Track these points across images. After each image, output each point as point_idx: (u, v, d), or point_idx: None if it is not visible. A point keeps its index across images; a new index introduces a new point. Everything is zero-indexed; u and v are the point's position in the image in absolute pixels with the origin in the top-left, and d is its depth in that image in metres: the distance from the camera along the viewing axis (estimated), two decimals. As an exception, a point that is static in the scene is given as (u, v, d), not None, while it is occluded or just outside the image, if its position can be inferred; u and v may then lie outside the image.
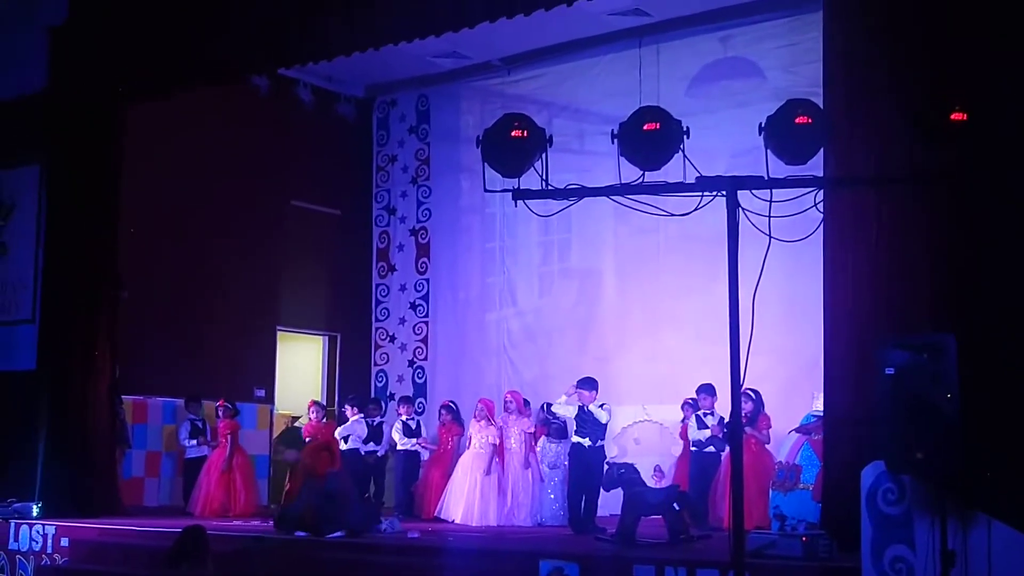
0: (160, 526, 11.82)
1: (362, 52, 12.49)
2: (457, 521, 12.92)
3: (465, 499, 13.10)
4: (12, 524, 12.38)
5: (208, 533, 10.14)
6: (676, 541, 9.69)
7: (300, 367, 17.80)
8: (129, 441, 14.51)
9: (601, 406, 11.80)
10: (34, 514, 12.57)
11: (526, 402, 13.71)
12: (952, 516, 6.64)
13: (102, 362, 13.60)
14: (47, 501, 12.79)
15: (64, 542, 11.91)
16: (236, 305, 16.08)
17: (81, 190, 13.71)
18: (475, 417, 13.51)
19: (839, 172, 8.33)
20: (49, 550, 11.99)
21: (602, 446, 11.89)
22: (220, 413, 14.42)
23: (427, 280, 17.43)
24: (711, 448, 12.17)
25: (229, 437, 14.34)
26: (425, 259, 17.48)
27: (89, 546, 11.78)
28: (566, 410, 12.04)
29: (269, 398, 16.46)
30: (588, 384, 11.84)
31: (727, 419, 11.95)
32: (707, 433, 12.11)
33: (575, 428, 11.81)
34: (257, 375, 16.41)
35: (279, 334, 17.06)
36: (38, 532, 12.14)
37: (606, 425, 11.90)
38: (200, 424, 14.64)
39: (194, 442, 14.54)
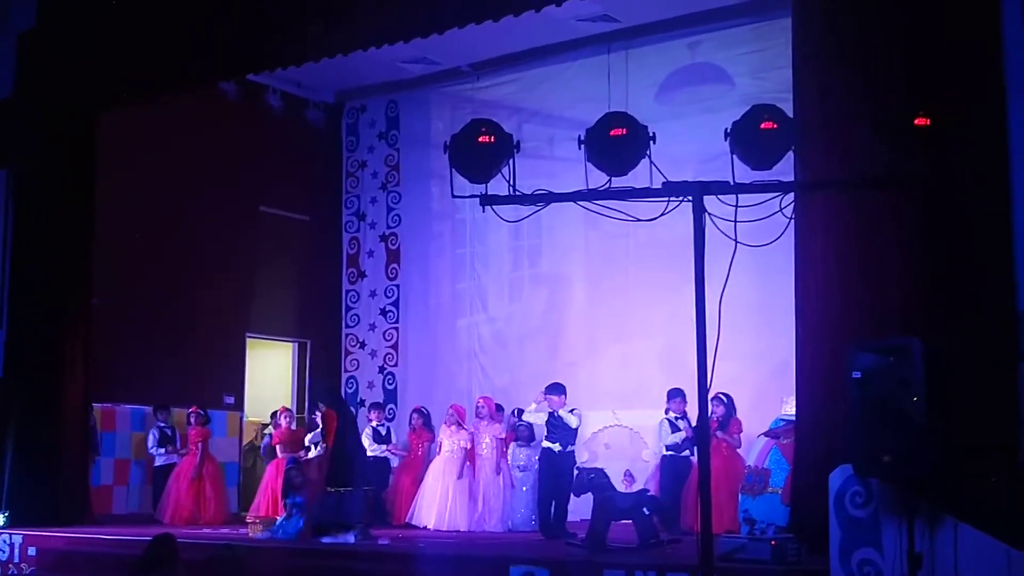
0: (129, 534, 11.75)
1: (331, 58, 12.49)
2: (429, 527, 12.89)
3: (436, 505, 13.08)
4: (-21, 533, 12.29)
5: (177, 541, 10.12)
6: (646, 545, 9.70)
7: (270, 374, 17.73)
8: (98, 448, 14.41)
9: (571, 411, 11.81)
10: (1, 523, 12.46)
11: (498, 407, 13.71)
12: (919, 519, 6.68)
13: (73, 369, 13.52)
14: (14, 509, 12.70)
15: (31, 551, 11.82)
16: (205, 311, 16.00)
17: (51, 196, 13.63)
18: (446, 423, 13.50)
19: (808, 177, 8.37)
20: (16, 559, 11.89)
21: (572, 451, 11.90)
22: (192, 420, 14.33)
23: (397, 286, 17.40)
24: (685, 452, 12.19)
25: (200, 445, 14.26)
26: (395, 265, 17.45)
27: (57, 555, 11.69)
28: (536, 417, 12.06)
29: (238, 405, 16.39)
30: (556, 389, 11.86)
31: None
32: (680, 436, 12.13)
33: (545, 433, 11.81)
34: (226, 382, 16.34)
35: (248, 340, 17.00)
36: (5, 541, 12.05)
37: (576, 430, 11.90)
38: (169, 432, 14.54)
39: (163, 450, 14.45)
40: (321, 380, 15.73)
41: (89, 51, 13.47)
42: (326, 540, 10.96)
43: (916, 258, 8.25)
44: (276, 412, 14.43)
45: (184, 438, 14.47)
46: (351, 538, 10.98)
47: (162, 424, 14.56)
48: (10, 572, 11.82)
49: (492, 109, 14.93)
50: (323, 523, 11.43)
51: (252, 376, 17.00)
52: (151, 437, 14.52)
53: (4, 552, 11.98)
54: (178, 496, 14.06)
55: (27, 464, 13.11)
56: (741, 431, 12.04)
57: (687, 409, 12.25)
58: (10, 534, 12.09)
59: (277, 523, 11.89)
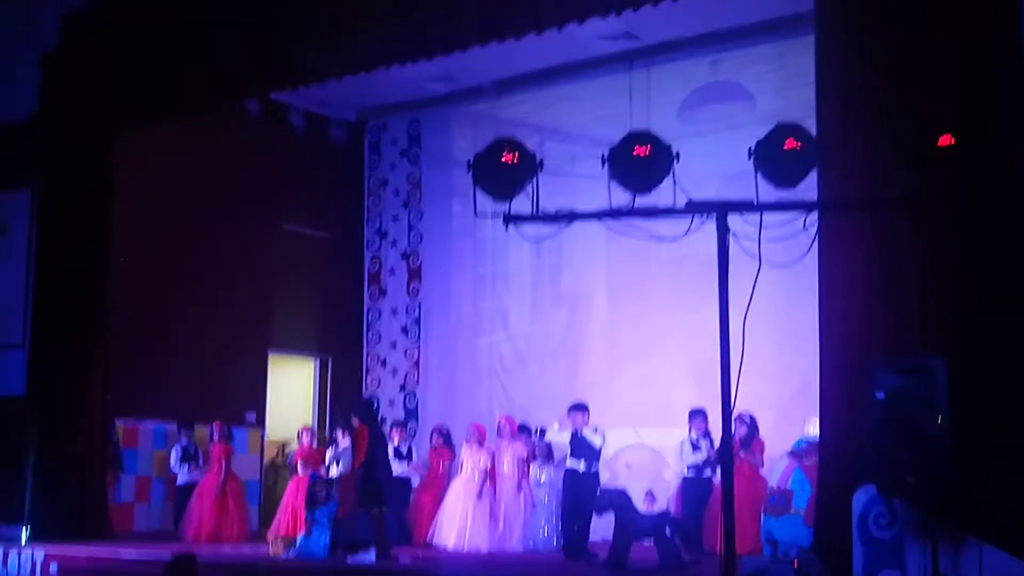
0: (150, 551, 11.75)
1: (353, 76, 12.53)
2: (450, 547, 12.84)
3: (457, 525, 13.01)
4: (1, 549, 12.29)
5: (198, 561, 10.12)
6: (667, 566, 9.66)
7: (291, 390, 17.75)
8: (121, 465, 14.44)
9: (595, 430, 11.77)
10: (23, 539, 12.49)
11: (521, 427, 13.68)
12: (943, 540, 6.63)
13: (94, 387, 13.55)
14: (36, 526, 12.72)
15: (53, 567, 11.81)
16: (227, 328, 16.03)
17: (72, 214, 13.70)
18: (467, 441, 13.46)
19: (831, 196, 8.34)
20: (38, 575, 11.90)
21: (596, 471, 11.83)
22: (215, 436, 14.32)
23: (419, 304, 17.41)
24: (707, 473, 12.12)
25: (223, 461, 14.26)
26: (416, 283, 17.46)
27: (78, 571, 11.70)
28: (560, 436, 12.00)
29: (260, 422, 16.40)
30: (579, 408, 11.82)
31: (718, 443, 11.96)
32: (701, 456, 12.06)
33: (569, 453, 11.74)
34: (248, 398, 16.36)
35: (270, 357, 17.03)
36: (27, 558, 12.05)
37: (600, 449, 11.85)
38: (192, 449, 14.54)
39: (186, 467, 14.44)
40: (358, 396, 15.70)
41: (112, 71, 13.58)
42: (350, 559, 10.94)
43: (939, 278, 8.19)
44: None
45: (207, 455, 14.48)
46: (372, 556, 10.97)
47: (185, 442, 14.56)
48: (32, 588, 11.85)
49: (514, 127, 14.94)
50: (349, 541, 11.42)
51: (273, 393, 17.02)
52: (174, 454, 14.53)
53: (27, 568, 11.99)
54: (201, 513, 14.03)
55: (49, 480, 13.14)
56: (764, 451, 11.97)
57: (709, 429, 12.19)
58: (32, 551, 12.11)
59: (299, 541, 11.86)
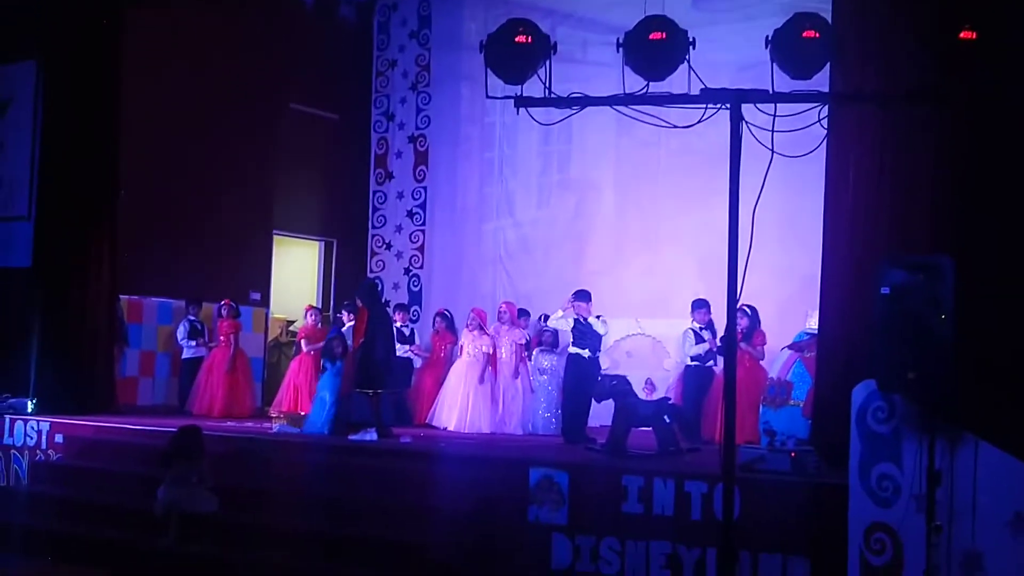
0: (155, 425, 11.90)
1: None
2: (450, 428, 13.01)
3: (458, 407, 13.18)
4: (7, 419, 12.45)
5: (203, 433, 10.27)
6: (665, 453, 9.77)
7: (296, 272, 17.81)
8: (127, 339, 14.55)
9: (598, 317, 11.84)
10: (28, 410, 12.64)
11: (521, 313, 13.75)
12: (940, 436, 6.69)
13: (100, 261, 13.56)
14: (42, 398, 12.85)
15: (59, 438, 11.99)
16: (233, 208, 16.01)
17: (79, 87, 13.55)
18: (468, 327, 13.56)
19: (845, 88, 8.23)
20: (43, 446, 12.07)
21: (598, 357, 11.94)
22: (223, 313, 14.42)
23: (424, 188, 17.37)
24: (709, 363, 12.21)
25: (232, 337, 14.37)
26: (423, 167, 17.39)
27: (83, 443, 11.87)
28: (562, 323, 12.06)
29: (265, 301, 16.48)
30: (584, 296, 11.86)
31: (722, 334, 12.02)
32: (704, 347, 12.13)
33: (572, 340, 11.80)
34: (253, 278, 16.41)
35: (275, 238, 17.04)
36: (33, 428, 12.21)
37: (602, 337, 11.94)
38: (199, 325, 14.65)
39: (192, 343, 14.56)
40: (363, 278, 15.76)
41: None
42: (352, 438, 11.09)
43: (950, 175, 8.14)
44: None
45: (212, 332, 14.58)
46: (373, 435, 11.11)
47: (192, 318, 14.65)
48: (38, 458, 12.01)
49: (526, 11, 14.64)
50: (350, 420, 11.57)
51: (279, 274, 17.07)
52: (181, 329, 14.63)
53: (32, 438, 12.16)
54: (211, 388, 14.20)
55: (54, 354, 13.22)
56: (764, 343, 12.04)
57: (712, 320, 12.25)
58: (38, 421, 12.26)
59: (308, 418, 11.96)
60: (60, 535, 10.12)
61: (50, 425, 12.12)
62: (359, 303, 12.07)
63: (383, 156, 17.78)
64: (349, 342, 12.55)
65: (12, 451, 12.27)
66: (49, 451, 12.02)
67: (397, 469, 9.79)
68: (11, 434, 12.34)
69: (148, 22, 14.36)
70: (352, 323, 13.13)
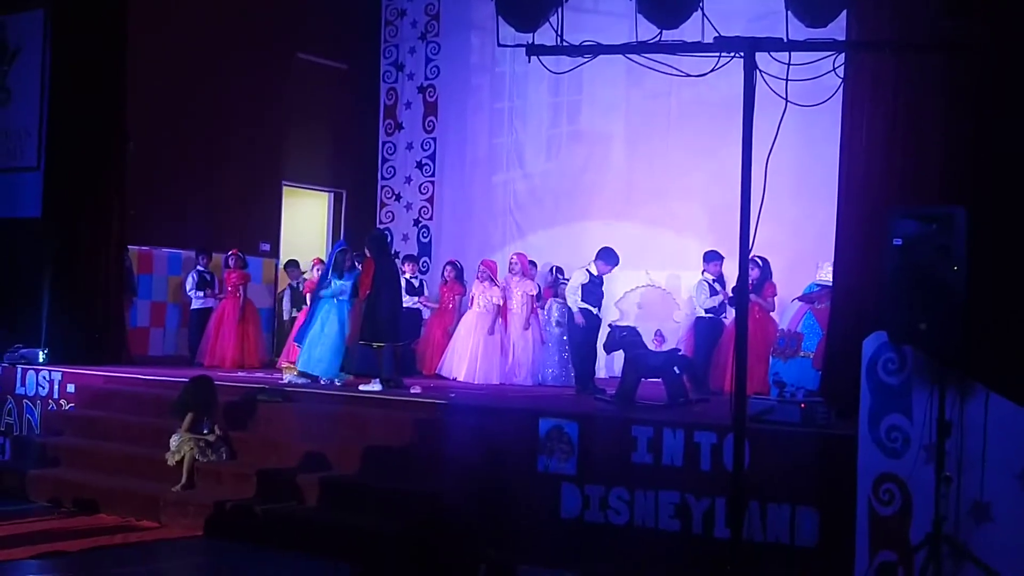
0: (167, 375, 11.96)
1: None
2: (459, 379, 13.05)
3: (467, 358, 13.21)
4: (19, 369, 12.50)
5: (215, 384, 10.33)
6: (675, 404, 9.78)
7: (305, 223, 17.79)
8: (136, 290, 14.57)
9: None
10: (40, 360, 12.69)
11: (531, 264, 13.74)
12: (951, 387, 6.69)
13: (110, 211, 13.55)
14: (53, 348, 12.90)
15: (70, 388, 12.05)
16: (241, 158, 16.00)
17: (87, 37, 13.47)
18: (478, 278, 13.56)
19: (861, 37, 8.15)
20: (56, 396, 12.13)
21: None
22: (231, 263, 14.43)
23: (434, 139, 17.30)
24: (721, 314, 12.20)
25: (240, 288, 14.39)
26: (432, 118, 17.32)
27: (95, 393, 11.93)
28: (577, 275, 11.98)
29: (274, 252, 16.49)
30: (610, 259, 11.76)
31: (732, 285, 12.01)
32: (718, 299, 12.09)
33: (581, 295, 11.74)
34: (262, 229, 16.42)
35: (284, 189, 17.02)
36: (45, 378, 12.27)
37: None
38: (208, 276, 14.66)
39: (201, 293, 14.58)
40: (372, 229, 15.76)
41: None
42: (362, 388, 11.12)
43: (965, 126, 8.08)
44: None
45: (222, 283, 14.60)
46: (378, 386, 11.14)
47: (202, 268, 14.66)
48: (50, 407, 12.07)
49: (536, -41, 14.58)
50: (356, 370, 11.61)
51: (288, 225, 17.07)
52: (190, 280, 14.65)
53: (44, 388, 12.22)
54: (221, 339, 14.24)
55: (65, 304, 13.25)
56: (775, 295, 12.03)
57: (723, 271, 12.24)
58: (49, 371, 12.31)
59: (313, 357, 11.93)
60: (74, 484, 10.20)
61: (62, 375, 12.17)
62: (367, 253, 12.04)
63: (392, 106, 17.70)
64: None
65: (25, 401, 12.34)
66: (61, 401, 12.08)
67: (407, 419, 9.83)
68: (23, 384, 12.40)
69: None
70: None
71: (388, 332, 11.61)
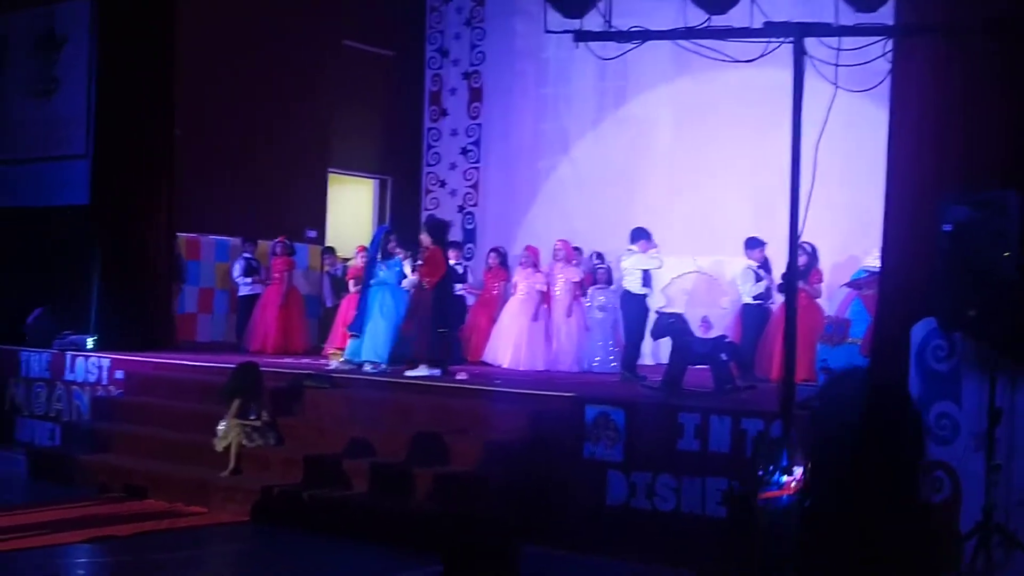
0: (214, 361, 12.04)
1: None
2: (504, 365, 13.06)
3: (511, 344, 13.22)
4: (68, 356, 12.65)
5: (262, 370, 10.39)
6: (722, 391, 9.74)
7: (351, 210, 17.86)
8: (184, 276, 14.69)
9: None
10: (89, 347, 12.82)
11: (576, 250, 13.72)
12: (1001, 374, 6.62)
13: (158, 198, 13.66)
14: (102, 334, 13.03)
15: (119, 374, 12.16)
16: (288, 145, 16.08)
17: (134, 25, 13.57)
18: (521, 264, 13.56)
19: (911, 21, 8.04)
20: (104, 381, 12.25)
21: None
22: (277, 250, 14.52)
23: (479, 125, 17.30)
24: (770, 301, 12.13)
25: (285, 274, 14.47)
26: (477, 104, 17.32)
27: (143, 379, 12.03)
28: (653, 263, 11.95)
29: (320, 239, 16.57)
30: (646, 232, 11.78)
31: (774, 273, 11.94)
32: (763, 285, 12.03)
33: (640, 280, 11.69)
34: (308, 216, 16.50)
35: (330, 176, 17.08)
36: (93, 364, 12.39)
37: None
38: (255, 263, 14.76)
39: (248, 280, 14.68)
40: (416, 216, 15.71)
41: None
42: (409, 374, 11.14)
43: (1017, 110, 7.95)
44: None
45: (269, 269, 14.69)
46: (433, 372, 11.16)
47: (248, 255, 14.76)
48: (99, 393, 12.20)
49: (582, -56, 14.53)
50: (411, 357, 11.58)
51: (333, 212, 17.13)
52: (237, 267, 14.74)
53: (93, 374, 12.34)
54: (265, 325, 14.34)
55: (114, 291, 13.37)
56: (821, 281, 11.96)
57: (767, 258, 12.16)
58: (99, 357, 12.44)
59: (361, 344, 11.94)
60: (122, 469, 10.30)
61: (111, 361, 12.29)
62: (427, 241, 11.86)
63: (437, 93, 17.72)
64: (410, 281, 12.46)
65: (74, 387, 12.47)
66: (110, 387, 12.20)
67: (452, 406, 9.85)
68: (72, 370, 12.55)
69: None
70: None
71: (456, 318, 11.64)
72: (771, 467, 5.98)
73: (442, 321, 11.59)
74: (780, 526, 5.99)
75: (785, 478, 6.09)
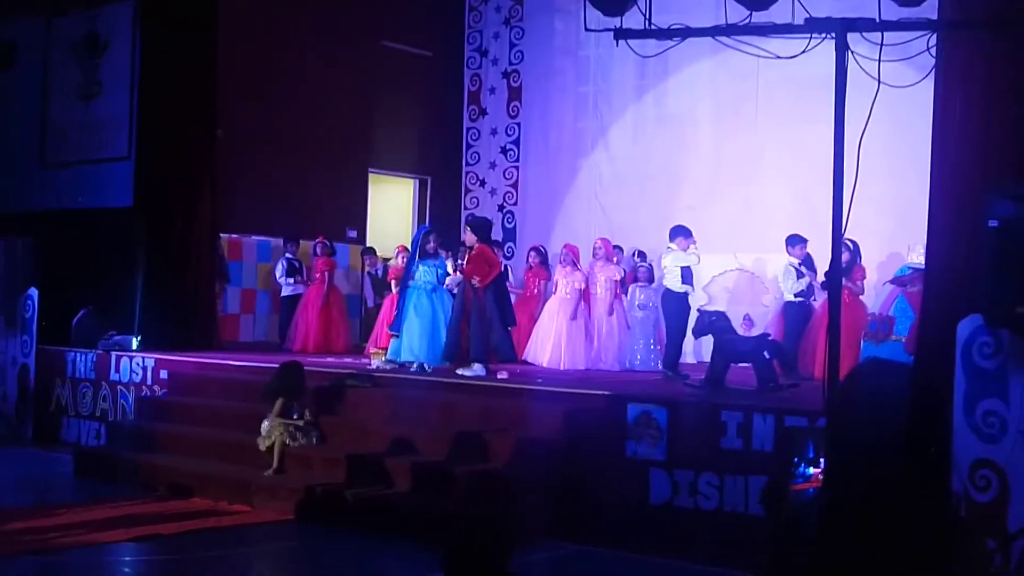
0: (257, 361, 12.11)
1: None
2: (544, 365, 13.03)
3: (552, 343, 13.17)
4: (113, 356, 12.76)
5: (304, 369, 10.44)
6: (765, 389, 9.69)
7: (391, 209, 17.91)
8: (227, 277, 14.80)
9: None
10: (134, 347, 12.93)
11: (616, 248, 13.68)
12: (1050, 371, 6.54)
13: (201, 200, 13.76)
14: (146, 335, 13.13)
15: (163, 374, 12.26)
16: (328, 146, 16.15)
17: (175, 28, 13.68)
18: (561, 263, 13.53)
19: (956, 14, 7.95)
20: (149, 381, 12.36)
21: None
22: (318, 250, 14.60)
23: (518, 124, 17.30)
24: (812, 298, 12.05)
25: (326, 274, 14.54)
26: (517, 103, 17.32)
27: (187, 379, 12.12)
28: (692, 259, 11.91)
29: (361, 239, 16.63)
30: (685, 230, 11.73)
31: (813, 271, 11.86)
32: (805, 282, 11.95)
33: (679, 277, 11.67)
34: (349, 216, 16.57)
35: (371, 176, 17.14)
36: (138, 364, 12.50)
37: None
38: (297, 264, 14.84)
39: (291, 280, 14.76)
40: (456, 215, 15.71)
41: None
42: (461, 372, 11.16)
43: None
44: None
45: (310, 270, 14.76)
46: (482, 371, 11.18)
47: (290, 256, 14.85)
48: (144, 393, 12.30)
49: (621, -58, 14.48)
50: (463, 356, 11.59)
51: (374, 211, 17.19)
52: (280, 267, 14.84)
53: (138, 374, 12.45)
54: (307, 325, 14.41)
55: (158, 291, 13.48)
56: (864, 278, 11.85)
57: (810, 254, 12.08)
58: (143, 357, 12.54)
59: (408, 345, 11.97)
60: (167, 468, 10.38)
61: (155, 361, 12.39)
62: (472, 239, 11.87)
63: (476, 92, 17.74)
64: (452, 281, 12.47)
65: (119, 387, 12.59)
66: (154, 387, 12.30)
67: (495, 404, 9.85)
68: (117, 370, 12.66)
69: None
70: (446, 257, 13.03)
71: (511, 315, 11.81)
72: (798, 459, 5.94)
73: (509, 317, 11.64)
74: (803, 520, 5.95)
75: (812, 470, 6.03)
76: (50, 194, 15.23)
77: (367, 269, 15.33)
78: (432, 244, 12.10)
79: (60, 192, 15.13)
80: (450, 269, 12.29)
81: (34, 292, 13.31)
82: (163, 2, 13.87)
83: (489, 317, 11.51)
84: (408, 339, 11.83)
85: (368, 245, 15.74)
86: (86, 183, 14.86)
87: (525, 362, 13.29)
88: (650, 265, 12.94)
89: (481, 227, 12.10)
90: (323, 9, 15.96)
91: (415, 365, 11.73)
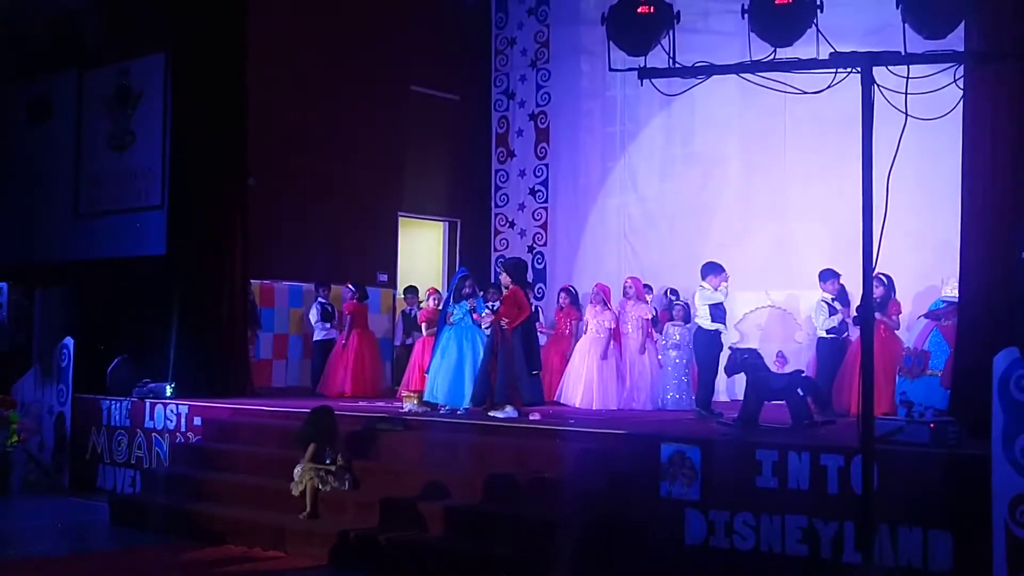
0: (290, 406, 12.12)
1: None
2: (576, 405, 12.98)
3: (583, 383, 13.11)
4: (147, 404, 12.81)
5: (336, 414, 10.43)
6: (800, 426, 9.60)
7: (421, 253, 17.96)
8: (259, 323, 14.86)
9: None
10: (168, 394, 12.97)
11: (646, 288, 13.65)
12: (1090, 404, 6.46)
13: (233, 246, 13.84)
14: (180, 382, 13.18)
15: (197, 421, 12.29)
16: (358, 190, 16.24)
17: (207, 77, 13.83)
18: (591, 302, 13.49)
19: (982, 46, 7.95)
20: (183, 428, 12.39)
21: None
22: (350, 295, 14.64)
23: (546, 165, 17.36)
24: (843, 334, 11.97)
25: (358, 318, 14.56)
26: (544, 144, 17.38)
27: (221, 425, 12.14)
28: (718, 296, 11.85)
29: (391, 282, 16.67)
30: (717, 268, 11.71)
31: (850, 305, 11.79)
32: (838, 318, 11.88)
33: (711, 315, 11.62)
34: (379, 260, 16.63)
35: (400, 219, 17.21)
36: (172, 411, 12.54)
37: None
38: (330, 308, 14.89)
39: (326, 325, 14.81)
40: (486, 257, 15.74)
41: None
42: (493, 414, 11.13)
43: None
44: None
45: (342, 314, 14.80)
46: (514, 414, 11.15)
47: (323, 300, 14.90)
48: (178, 440, 12.33)
49: (644, -18, 14.54)
50: (492, 399, 11.55)
51: (404, 255, 17.25)
52: (313, 311, 14.90)
53: (172, 421, 12.49)
54: (341, 369, 14.42)
55: (191, 339, 13.54)
56: (899, 312, 11.78)
57: (844, 288, 12.01)
58: (177, 404, 12.58)
59: (438, 388, 11.95)
60: (201, 515, 10.38)
61: (189, 408, 12.42)
62: (506, 280, 11.88)
63: (504, 135, 17.83)
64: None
65: (153, 434, 12.62)
66: (188, 433, 12.33)
67: (526, 446, 9.81)
68: (152, 418, 12.70)
69: (273, 8, 14.60)
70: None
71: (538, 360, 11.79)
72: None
73: (535, 362, 11.61)
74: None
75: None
76: (84, 244, 15.39)
77: (405, 308, 15.33)
78: (468, 289, 12.14)
79: (94, 241, 15.28)
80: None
81: (70, 341, 13.39)
82: (195, 52, 14.01)
83: (515, 360, 11.49)
84: (431, 381, 11.87)
85: (411, 284, 15.71)
86: (120, 232, 15.00)
87: (557, 403, 13.24)
88: (686, 303, 12.89)
89: (516, 269, 12.11)
90: (353, 56, 16.10)
91: (445, 407, 11.72)
